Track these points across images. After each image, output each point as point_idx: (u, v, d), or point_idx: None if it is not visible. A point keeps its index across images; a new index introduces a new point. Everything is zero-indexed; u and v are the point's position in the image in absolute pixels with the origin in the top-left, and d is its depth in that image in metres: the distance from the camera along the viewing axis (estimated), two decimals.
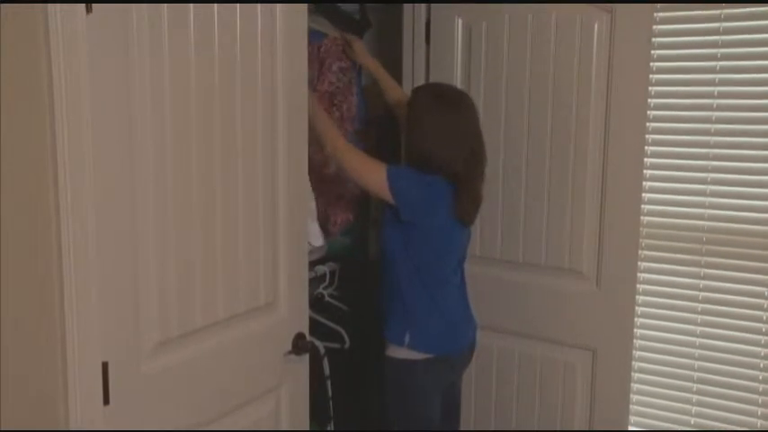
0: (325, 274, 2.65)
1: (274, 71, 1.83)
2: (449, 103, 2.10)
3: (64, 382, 1.40)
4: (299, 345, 1.96)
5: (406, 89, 2.64)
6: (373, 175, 2.04)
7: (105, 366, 1.44)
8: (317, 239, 2.30)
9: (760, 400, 2.44)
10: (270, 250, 1.87)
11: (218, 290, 1.71)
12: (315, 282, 2.58)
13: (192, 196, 1.62)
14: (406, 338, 2.10)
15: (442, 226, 2.09)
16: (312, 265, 2.46)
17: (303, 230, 2.01)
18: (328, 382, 2.50)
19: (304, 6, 1.93)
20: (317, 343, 2.45)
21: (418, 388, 2.14)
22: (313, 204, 2.31)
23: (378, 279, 2.21)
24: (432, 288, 2.13)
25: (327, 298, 2.67)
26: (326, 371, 2.49)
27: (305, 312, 2.03)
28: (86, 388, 1.42)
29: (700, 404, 2.54)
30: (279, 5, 1.82)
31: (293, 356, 1.96)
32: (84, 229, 1.38)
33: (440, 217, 2.08)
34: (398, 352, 2.13)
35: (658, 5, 2.36)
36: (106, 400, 1.45)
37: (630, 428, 2.54)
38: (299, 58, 1.92)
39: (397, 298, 2.13)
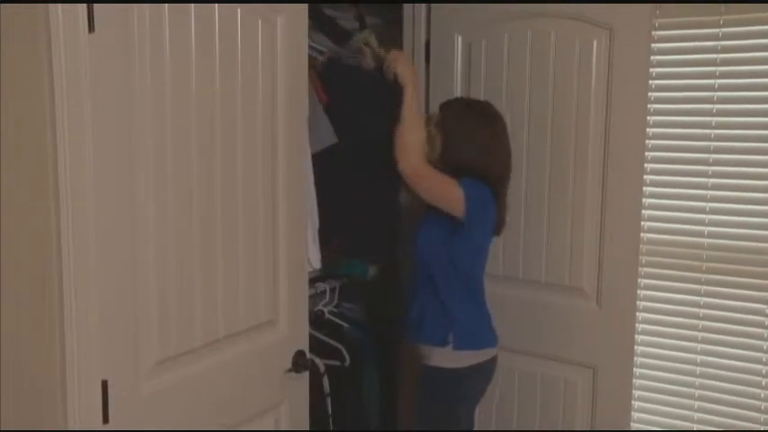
0: (325, 291, 2.65)
1: (275, 82, 1.84)
2: (483, 113, 2.19)
3: (63, 400, 1.40)
4: (299, 362, 1.96)
5: None
6: (453, 194, 2.06)
7: (105, 384, 1.44)
8: (317, 261, 2.29)
9: (762, 419, 2.43)
10: (270, 267, 1.87)
11: (217, 307, 1.71)
12: (315, 299, 2.58)
13: (192, 214, 1.62)
14: (450, 338, 2.14)
15: (489, 232, 2.20)
16: (312, 281, 2.46)
17: (303, 248, 2.01)
18: (328, 400, 2.49)
19: (304, 8, 1.95)
20: (317, 360, 2.44)
21: (462, 396, 2.18)
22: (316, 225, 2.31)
23: (412, 286, 2.27)
24: (470, 291, 2.20)
25: (327, 315, 2.67)
26: (326, 388, 2.48)
27: (305, 330, 2.03)
28: (86, 406, 1.42)
29: (701, 422, 2.52)
30: (279, 12, 1.83)
31: (293, 374, 1.96)
32: (84, 248, 1.38)
33: (490, 224, 2.18)
34: (442, 359, 2.16)
35: (657, 23, 2.37)
36: (105, 419, 1.45)
37: None
38: (299, 65, 1.94)
39: (436, 302, 2.17)
